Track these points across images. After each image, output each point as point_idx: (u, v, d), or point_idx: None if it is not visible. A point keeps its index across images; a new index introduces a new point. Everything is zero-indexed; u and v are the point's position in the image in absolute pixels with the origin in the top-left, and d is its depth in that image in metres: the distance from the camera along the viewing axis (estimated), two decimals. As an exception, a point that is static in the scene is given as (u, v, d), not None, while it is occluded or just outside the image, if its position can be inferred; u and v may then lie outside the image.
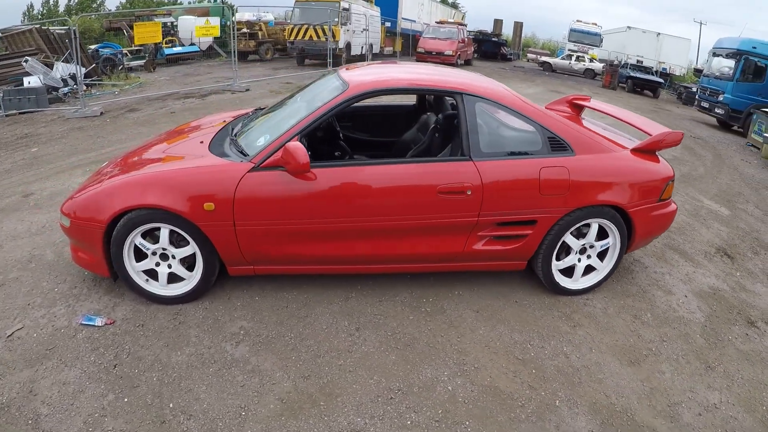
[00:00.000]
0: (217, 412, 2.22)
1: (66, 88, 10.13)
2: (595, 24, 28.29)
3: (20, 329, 2.66)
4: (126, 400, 2.26)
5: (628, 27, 26.65)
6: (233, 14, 16.45)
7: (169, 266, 2.85)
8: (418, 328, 2.75)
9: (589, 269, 3.29)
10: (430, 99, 4.04)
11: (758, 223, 5.53)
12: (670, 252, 4.27)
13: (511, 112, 2.91)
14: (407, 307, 2.93)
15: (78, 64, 8.85)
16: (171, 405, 2.24)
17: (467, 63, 22.00)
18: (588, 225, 3.09)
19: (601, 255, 3.27)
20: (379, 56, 19.83)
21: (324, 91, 3.17)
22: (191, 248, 2.79)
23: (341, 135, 3.92)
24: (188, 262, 2.87)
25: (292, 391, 2.34)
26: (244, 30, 14.25)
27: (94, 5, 27.91)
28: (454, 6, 37.10)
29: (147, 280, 2.87)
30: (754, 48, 12.26)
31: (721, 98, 12.52)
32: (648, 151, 3.27)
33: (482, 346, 2.67)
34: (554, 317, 3.03)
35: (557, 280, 3.19)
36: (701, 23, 30.53)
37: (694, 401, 2.53)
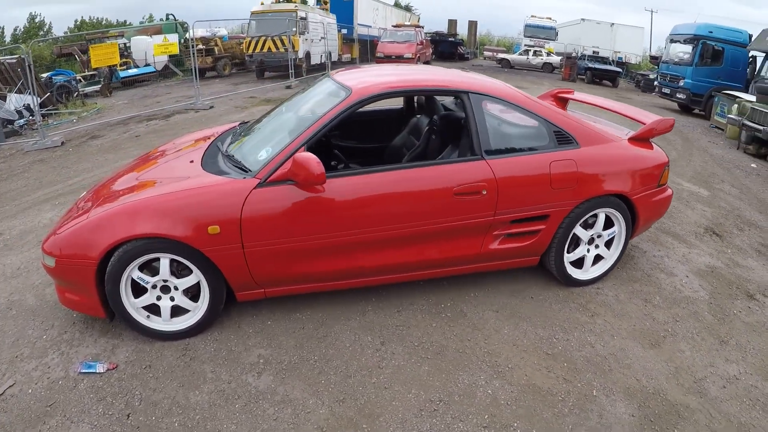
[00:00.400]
0: None
1: (22, 120, 9.75)
2: (550, 18, 29.22)
3: (12, 386, 2.45)
4: None
5: (582, 19, 27.60)
6: (185, 31, 16.21)
7: (172, 299, 2.69)
8: (444, 335, 2.77)
9: (597, 259, 3.40)
10: (421, 101, 4.06)
11: (737, 201, 5.82)
12: (663, 235, 4.45)
13: (516, 108, 2.99)
14: (427, 314, 2.95)
15: (34, 93, 8.56)
16: None
17: (426, 65, 22.33)
18: (595, 215, 3.20)
19: (608, 244, 3.38)
20: (337, 64, 19.88)
21: (322, 98, 3.14)
22: (195, 277, 2.63)
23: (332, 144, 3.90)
24: (191, 292, 2.71)
25: (329, 417, 2.26)
26: (200, 46, 14.06)
27: (41, 33, 27.02)
28: (408, 9, 37.60)
29: (148, 316, 2.69)
30: (711, 32, 12.94)
31: (681, 83, 13.14)
32: (643, 139, 3.41)
33: (510, 345, 2.72)
34: (571, 309, 3.12)
35: (569, 272, 3.28)
36: (652, 11, 31.88)
37: (716, 375, 2.66)
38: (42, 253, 2.64)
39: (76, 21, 26.67)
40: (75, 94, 11.96)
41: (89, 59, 14.95)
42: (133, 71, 14.58)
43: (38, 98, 9.33)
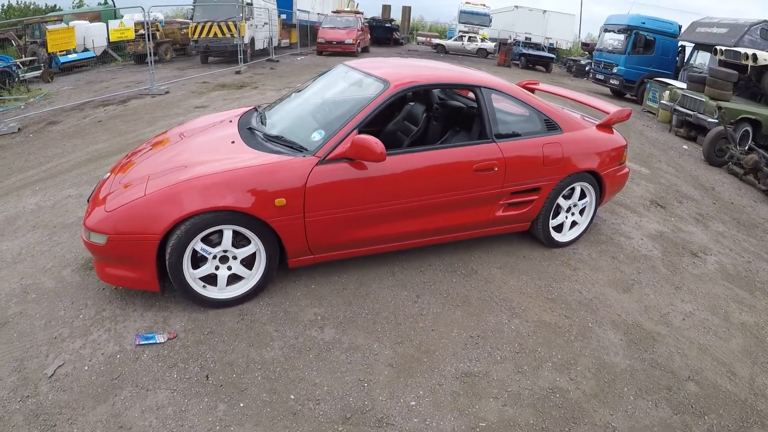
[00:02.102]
0: (341, 390, 2.48)
1: (-35, 108, 9.35)
2: (484, 5, 30.43)
3: (62, 365, 2.55)
4: (242, 404, 2.36)
5: (516, 6, 29.12)
6: (115, 15, 15.79)
7: (229, 268, 2.95)
8: (465, 288, 3.42)
9: (572, 225, 4.18)
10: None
11: (674, 178, 6.92)
12: (618, 207, 5.35)
13: (515, 100, 3.68)
14: (446, 272, 3.59)
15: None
16: (292, 396, 2.42)
17: (365, 50, 22.87)
18: (572, 188, 3.96)
19: (581, 212, 4.17)
20: (278, 50, 19.96)
21: (352, 88, 3.65)
22: (253, 246, 2.93)
23: None
24: (245, 261, 3.00)
25: (394, 356, 2.73)
26: (141, 31, 13.76)
27: None
28: (345, -5, 37.79)
29: (204, 286, 2.93)
30: (643, 23, 14.43)
31: (615, 70, 14.58)
32: (607, 126, 4.22)
33: (518, 293, 3.43)
34: (557, 265, 3.88)
35: (552, 236, 4.03)
36: (582, -1, 34.11)
37: (676, 311, 3.51)
38: (87, 232, 2.75)
39: (3, 5, 24.86)
40: (15, 80, 11.53)
41: (26, 45, 14.35)
42: (73, 56, 14.08)
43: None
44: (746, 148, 8.10)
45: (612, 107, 4.40)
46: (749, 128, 8.72)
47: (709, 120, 8.61)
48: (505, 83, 3.79)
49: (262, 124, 3.61)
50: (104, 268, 2.88)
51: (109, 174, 3.38)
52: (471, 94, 4.15)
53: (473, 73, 3.92)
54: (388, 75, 3.41)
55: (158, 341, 2.71)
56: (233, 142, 3.30)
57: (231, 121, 3.83)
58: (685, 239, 4.81)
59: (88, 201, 3.21)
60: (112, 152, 6.27)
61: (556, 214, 4.01)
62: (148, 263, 2.75)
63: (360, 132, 3.05)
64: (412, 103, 4.37)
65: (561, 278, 3.69)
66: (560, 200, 3.92)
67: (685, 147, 9.09)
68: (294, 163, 2.94)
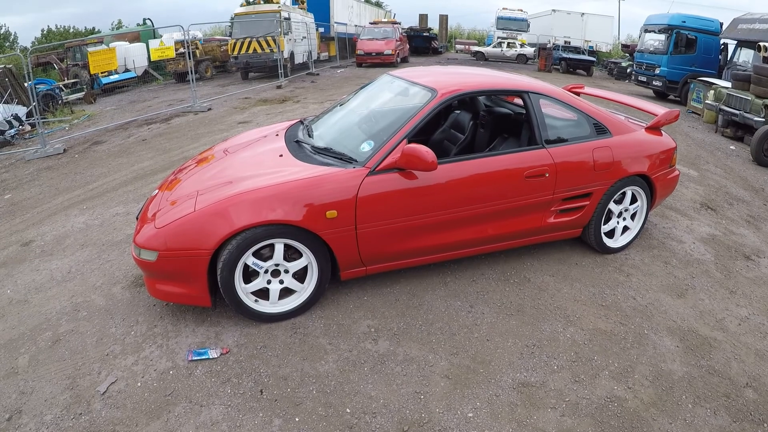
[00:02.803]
0: (397, 402, 2.46)
1: (12, 130, 9.91)
2: (521, 10, 30.22)
3: (114, 383, 2.56)
4: (297, 419, 2.35)
5: (553, 10, 28.74)
6: (155, 35, 16.40)
7: (281, 282, 2.95)
8: (518, 296, 3.42)
9: (624, 230, 4.11)
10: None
11: (723, 180, 6.71)
12: (668, 211, 5.23)
13: (563, 105, 3.68)
14: (498, 281, 3.59)
15: (34, 101, 8.79)
16: (348, 410, 2.41)
17: (404, 60, 23.04)
18: (623, 193, 3.91)
19: (632, 217, 4.11)
20: (317, 63, 20.33)
21: (399, 97, 3.70)
22: (305, 260, 2.93)
23: None
24: (297, 275, 3.00)
25: (450, 367, 2.71)
26: (181, 50, 14.30)
27: (7, 44, 26.39)
28: (378, 5, 38.19)
29: (256, 300, 2.94)
30: (684, 22, 14.06)
31: (657, 71, 14.23)
32: (656, 127, 4.15)
33: (572, 301, 3.41)
34: (610, 271, 3.83)
35: (604, 241, 3.98)
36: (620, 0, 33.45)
37: (732, 316, 3.42)
38: (137, 249, 2.79)
39: (42, 30, 26.27)
40: (59, 102, 12.13)
41: (68, 68, 15.09)
42: (114, 77, 14.74)
43: (26, 107, 9.44)
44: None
45: (660, 109, 4.33)
46: (798, 126, 8.35)
47: (756, 119, 8.31)
48: (552, 88, 3.79)
49: (309, 136, 3.64)
50: (155, 285, 2.90)
51: (156, 191, 3.43)
52: (518, 100, 4.18)
53: (520, 78, 3.92)
54: (435, 83, 3.43)
55: (211, 356, 2.72)
56: (281, 156, 3.32)
57: (277, 135, 3.87)
58: (737, 242, 4.67)
59: (136, 219, 3.28)
60: (157, 170, 6.49)
61: (608, 219, 3.96)
62: (199, 279, 2.76)
63: (409, 141, 3.08)
64: (458, 111, 4.38)
65: (614, 285, 3.64)
66: (611, 205, 3.87)
67: (732, 147, 8.80)
68: (344, 174, 2.94)
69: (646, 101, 4.74)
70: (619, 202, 3.93)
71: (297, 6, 18.34)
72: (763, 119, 8.12)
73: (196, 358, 2.70)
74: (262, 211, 2.72)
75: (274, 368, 2.67)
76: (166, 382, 2.57)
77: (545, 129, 3.52)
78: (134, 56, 16.01)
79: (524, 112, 3.66)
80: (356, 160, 3.06)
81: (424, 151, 2.87)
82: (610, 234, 4.04)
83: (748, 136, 8.60)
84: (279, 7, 15.76)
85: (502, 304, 3.32)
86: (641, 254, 4.16)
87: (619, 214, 4.01)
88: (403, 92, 3.74)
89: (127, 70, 15.57)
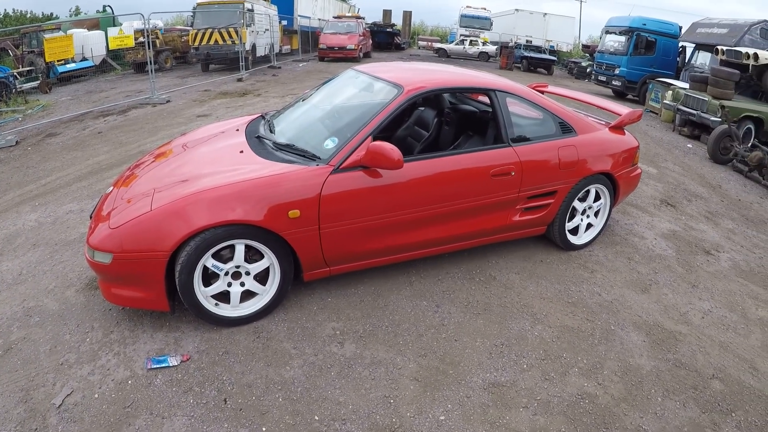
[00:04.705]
0: (367, 408, 2.40)
1: (-39, 121, 9.30)
2: (485, 8, 30.53)
3: (70, 394, 2.41)
4: (264, 429, 2.27)
5: (516, 9, 29.17)
6: (114, 23, 15.79)
7: (242, 284, 2.83)
8: (485, 295, 3.38)
9: (587, 227, 4.14)
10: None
11: (681, 177, 6.90)
12: (629, 207, 5.33)
13: (529, 103, 3.65)
14: (464, 280, 3.54)
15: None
16: (317, 417, 2.34)
17: (367, 56, 22.91)
18: (587, 191, 3.93)
19: (595, 214, 4.14)
20: (279, 56, 19.97)
21: (363, 93, 3.60)
22: (267, 261, 2.82)
23: None
24: (258, 277, 2.89)
25: (419, 369, 2.65)
26: (141, 39, 13.77)
27: None
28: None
29: (216, 304, 2.81)
30: (645, 24, 14.49)
31: (617, 71, 14.62)
32: (620, 127, 4.19)
33: (539, 298, 3.39)
34: (574, 268, 3.84)
35: (569, 238, 4.00)
36: (581, 1, 34.09)
37: (695, 309, 3.49)
38: (91, 250, 2.62)
39: None
40: (13, 91, 11.50)
41: (23, 55, 14.31)
42: (71, 66, 14.06)
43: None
44: (750, 145, 8.08)
45: (623, 109, 4.39)
46: (752, 126, 8.73)
47: (713, 119, 8.61)
48: (518, 86, 3.76)
49: (271, 132, 3.53)
50: (110, 289, 2.75)
51: (111, 188, 3.26)
52: (483, 98, 4.14)
53: (486, 76, 3.88)
54: (401, 79, 3.36)
55: (171, 364, 2.58)
56: (241, 152, 3.20)
57: (237, 130, 3.73)
58: (697, 237, 4.79)
59: (90, 217, 3.11)
60: (113, 164, 6.20)
61: (572, 217, 3.97)
62: (157, 282, 2.63)
63: (374, 139, 2.99)
64: (422, 108, 4.30)
65: (579, 281, 3.65)
66: (576, 203, 3.89)
67: (689, 146, 9.09)
68: (307, 172, 2.84)
69: (609, 101, 4.80)
70: (583, 199, 3.95)
71: (261, -2, 17.95)
72: (720, 119, 8.41)
73: (155, 366, 2.56)
74: (221, 211, 2.60)
75: (237, 375, 2.55)
76: (124, 392, 2.43)
77: (511, 127, 3.48)
78: (92, 44, 15.29)
79: (490, 110, 3.62)
80: (319, 158, 2.96)
81: (389, 149, 2.80)
82: (574, 231, 4.06)
83: (705, 135, 8.90)
84: (242, -3, 15.39)
85: (469, 303, 3.28)
86: (605, 251, 4.20)
87: (583, 212, 4.04)
88: (368, 88, 3.64)
89: (84, 59, 14.87)
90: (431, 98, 4.30)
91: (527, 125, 3.65)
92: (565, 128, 3.72)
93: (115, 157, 6.60)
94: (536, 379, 2.66)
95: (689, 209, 5.60)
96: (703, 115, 8.90)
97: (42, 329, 2.88)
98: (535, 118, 3.72)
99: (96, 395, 2.41)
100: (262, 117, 4.02)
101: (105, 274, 2.68)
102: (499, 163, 3.35)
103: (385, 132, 4.00)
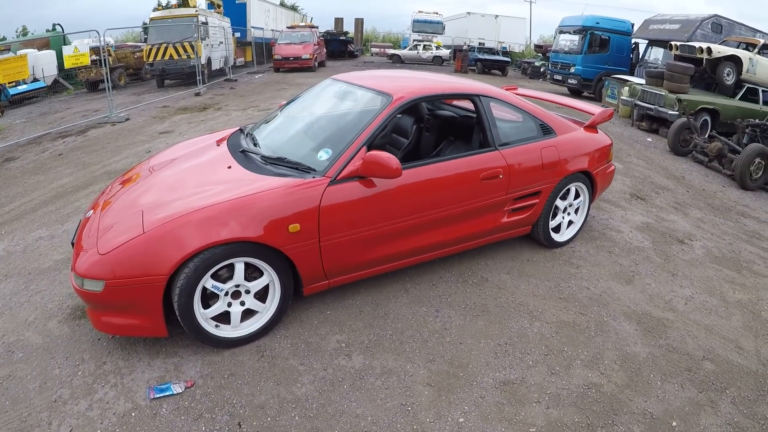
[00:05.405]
0: (386, 418, 2.41)
1: None
2: (437, 13, 31.03)
3: None
4: None
5: (468, 13, 29.78)
6: (65, 42, 15.30)
7: (242, 303, 2.79)
8: (480, 297, 3.47)
9: (568, 224, 4.31)
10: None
11: (646, 171, 7.22)
12: (602, 203, 5.56)
13: (512, 107, 3.79)
14: (458, 283, 3.62)
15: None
16: None
17: (321, 65, 22.92)
18: (568, 189, 4.09)
19: (576, 211, 4.31)
20: (233, 69, 19.73)
21: (347, 102, 3.64)
22: (266, 278, 2.78)
23: None
24: (258, 294, 2.85)
25: (430, 375, 2.69)
26: (93, 57, 13.36)
27: None
28: (294, 9, 37.76)
29: (216, 325, 2.75)
30: (598, 23, 15.10)
31: (572, 70, 15.15)
32: (593, 126, 4.39)
33: (532, 296, 3.51)
34: (561, 264, 3.99)
35: (552, 236, 4.15)
36: (531, 1, 35.03)
37: (678, 297, 3.70)
38: (79, 279, 2.51)
39: None
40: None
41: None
42: (23, 87, 13.47)
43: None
44: (707, 136, 8.53)
45: (595, 108, 4.60)
46: (707, 118, 9.22)
47: (670, 112, 9.06)
48: (499, 90, 3.90)
49: (255, 145, 3.50)
50: (100, 317, 2.62)
51: (90, 211, 3.13)
52: (460, 103, 4.24)
53: (468, 82, 4.00)
54: (389, 88, 3.39)
55: (175, 392, 2.48)
56: (229, 167, 3.14)
57: (219, 145, 3.66)
58: (669, 228, 5.04)
59: (72, 244, 2.98)
60: (79, 186, 6.01)
61: (554, 215, 4.12)
62: (154, 308, 2.54)
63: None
64: (400, 116, 4.32)
65: (567, 277, 3.80)
66: (558, 201, 4.04)
67: (649, 139, 9.51)
68: (304, 185, 2.82)
69: (580, 101, 5.02)
70: (563, 198, 4.11)
71: (213, 10, 17.72)
72: (677, 113, 8.85)
73: (158, 396, 2.45)
74: (220, 229, 2.54)
75: (247, 397, 2.50)
76: (129, 426, 2.32)
77: (497, 131, 3.60)
78: (43, 65, 14.69)
79: (469, 114, 3.70)
80: (314, 170, 2.95)
81: (387, 157, 2.82)
82: (557, 229, 4.22)
83: (663, 129, 9.34)
84: (196, 11, 15.15)
85: (467, 305, 3.36)
86: (586, 246, 4.37)
87: (564, 210, 4.20)
88: (351, 97, 3.68)
89: (35, 80, 14.29)
90: (410, 106, 4.38)
91: (510, 128, 3.78)
92: (546, 130, 3.87)
93: (80, 179, 6.40)
94: (543, 374, 2.76)
95: (658, 201, 5.87)
96: (660, 109, 9.35)
97: (27, 365, 2.72)
98: (516, 121, 3.85)
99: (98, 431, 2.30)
100: (241, 131, 3.96)
101: (96, 303, 2.57)
102: (487, 167, 3.46)
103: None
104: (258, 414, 2.41)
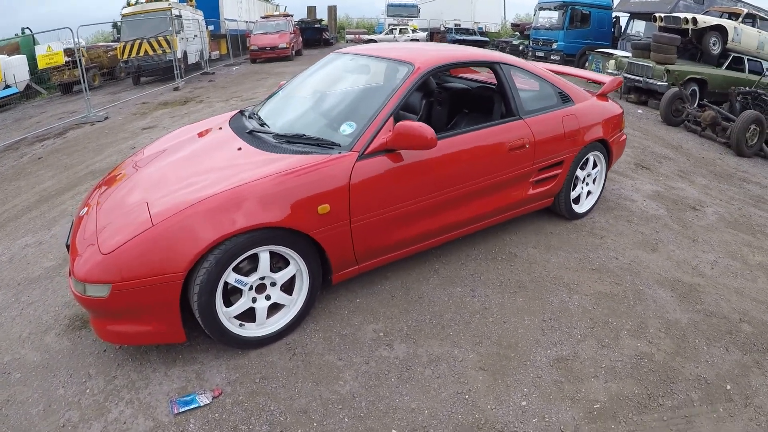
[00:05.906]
0: (444, 409, 2.24)
1: None
2: None
3: None
4: None
5: (443, -6, 29.57)
6: (35, 43, 14.70)
7: (267, 297, 2.53)
8: (513, 273, 3.37)
9: (587, 195, 4.23)
10: None
11: (644, 141, 7.21)
12: (611, 173, 5.50)
13: (531, 75, 3.68)
14: (488, 261, 3.51)
15: None
16: (395, 431, 2.13)
17: (298, 53, 22.54)
18: (587, 159, 4.01)
19: (593, 181, 4.23)
20: (210, 62, 19.24)
21: (358, 75, 3.50)
22: (293, 267, 2.54)
23: None
24: (283, 286, 2.60)
25: (481, 358, 2.54)
26: (67, 58, 12.85)
27: None
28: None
29: (241, 324, 2.49)
30: None
31: (554, 46, 15.12)
32: (605, 95, 4.30)
33: (564, 269, 3.42)
34: (584, 235, 3.92)
35: (573, 208, 4.06)
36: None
37: (704, 262, 3.66)
38: (80, 284, 2.21)
39: None
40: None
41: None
42: (-5, 94, 12.94)
43: None
44: (696, 105, 8.57)
45: (604, 77, 4.50)
46: (696, 87, 9.26)
47: (659, 83, 9.07)
48: (516, 58, 3.78)
49: (262, 125, 3.23)
50: (106, 326, 2.32)
51: (85, 208, 2.79)
52: (470, 74, 4.11)
53: (481, 50, 3.88)
54: (408, 57, 3.20)
55: (201, 403, 2.21)
56: (240, 149, 2.86)
57: (220, 128, 3.37)
58: (679, 195, 5.02)
59: (67, 246, 2.68)
60: (63, 189, 5.73)
61: (574, 186, 4.04)
62: (171, 310, 2.25)
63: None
64: None
65: (594, 248, 3.72)
66: (578, 171, 3.95)
67: (639, 111, 9.53)
68: (331, 161, 2.56)
69: (592, 72, 4.93)
70: (582, 168, 4.03)
71: (186, 3, 17.20)
72: (666, 84, 8.86)
73: (183, 409, 2.17)
74: (242, 216, 2.27)
75: (286, 402, 2.25)
76: None
77: (520, 100, 3.48)
78: (14, 70, 14.06)
79: (485, 85, 3.57)
80: (339, 145, 2.71)
81: (419, 127, 2.60)
82: (576, 200, 4.14)
83: (653, 100, 9.37)
84: (169, 3, 14.67)
85: (501, 283, 3.25)
86: (605, 216, 4.31)
87: (583, 180, 4.11)
88: (365, 70, 3.52)
89: (7, 86, 13.65)
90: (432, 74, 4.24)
91: (532, 97, 3.67)
92: (564, 98, 3.77)
93: (63, 181, 6.12)
94: (594, 347, 2.68)
95: (663, 170, 5.85)
96: (649, 81, 9.37)
97: (27, 387, 2.39)
98: (536, 89, 3.75)
99: (120, 455, 1.99)
100: (241, 113, 3.69)
101: (101, 310, 2.26)
102: (514, 136, 3.34)
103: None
104: (301, 420, 2.16)
